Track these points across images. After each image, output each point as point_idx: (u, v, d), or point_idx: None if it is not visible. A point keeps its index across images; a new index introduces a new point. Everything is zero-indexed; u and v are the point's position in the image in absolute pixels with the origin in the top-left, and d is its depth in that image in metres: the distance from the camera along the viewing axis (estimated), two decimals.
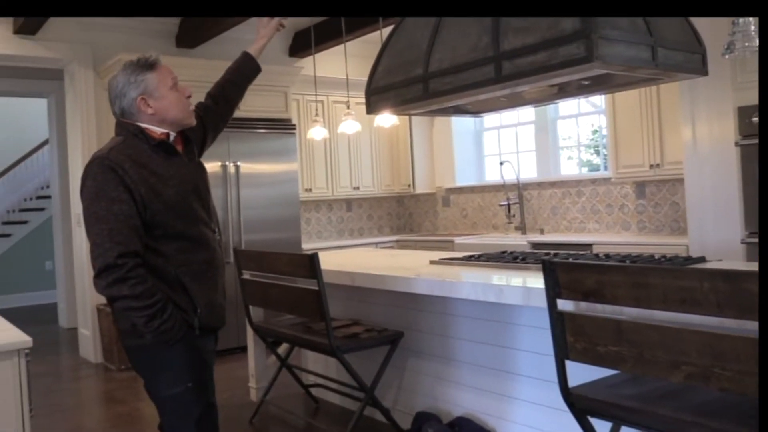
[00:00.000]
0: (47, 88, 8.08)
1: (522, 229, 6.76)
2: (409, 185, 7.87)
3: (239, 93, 3.00)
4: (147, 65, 2.39)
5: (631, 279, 2.12)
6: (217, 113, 2.85)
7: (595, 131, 6.67)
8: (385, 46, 3.70)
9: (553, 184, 6.64)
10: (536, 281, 2.87)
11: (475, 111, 4.04)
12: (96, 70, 6.32)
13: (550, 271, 2.37)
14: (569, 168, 6.91)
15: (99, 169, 2.26)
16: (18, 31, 5.83)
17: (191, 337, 2.35)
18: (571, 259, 3.06)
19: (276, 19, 3.17)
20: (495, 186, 7.26)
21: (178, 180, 2.38)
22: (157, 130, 2.41)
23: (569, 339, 2.35)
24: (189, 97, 2.48)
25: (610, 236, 5.83)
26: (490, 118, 7.50)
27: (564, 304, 2.39)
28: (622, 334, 2.17)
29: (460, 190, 7.73)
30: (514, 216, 6.79)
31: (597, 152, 6.73)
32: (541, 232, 6.64)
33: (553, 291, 2.38)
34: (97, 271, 2.21)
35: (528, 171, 7.12)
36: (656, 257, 3.38)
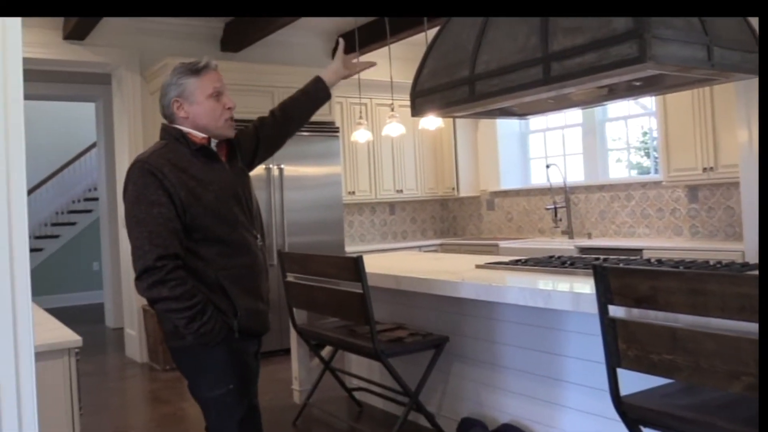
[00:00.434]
0: (95, 92, 8.22)
1: (569, 233, 6.65)
2: (453, 188, 7.81)
3: (303, 115, 2.95)
4: (192, 70, 2.42)
5: (687, 285, 2.05)
6: (275, 128, 2.83)
7: (645, 133, 6.53)
8: (431, 48, 3.66)
9: (601, 188, 6.52)
10: (585, 286, 2.81)
11: (522, 113, 3.97)
12: (143, 74, 6.41)
13: (601, 276, 2.31)
14: (618, 171, 6.77)
15: (139, 173, 2.29)
16: (67, 36, 5.94)
17: (232, 340, 2.36)
18: (621, 264, 2.98)
19: (367, 62, 3.24)
20: (541, 189, 7.16)
21: (218, 185, 2.40)
22: (198, 135, 2.43)
23: (621, 346, 2.29)
24: (230, 109, 2.48)
25: (661, 241, 5.70)
26: (535, 121, 7.40)
27: (615, 310, 2.33)
28: (677, 342, 2.10)
29: (505, 193, 7.65)
30: (560, 220, 6.69)
31: (647, 155, 6.59)
32: (589, 236, 6.52)
33: (604, 297, 2.32)
34: (138, 274, 2.24)
35: (575, 174, 7.00)
36: (711, 263, 3.28)
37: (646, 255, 5.24)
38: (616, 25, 2.66)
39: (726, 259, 4.09)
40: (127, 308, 6.71)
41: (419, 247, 7.33)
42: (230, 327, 2.34)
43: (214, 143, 2.47)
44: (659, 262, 3.38)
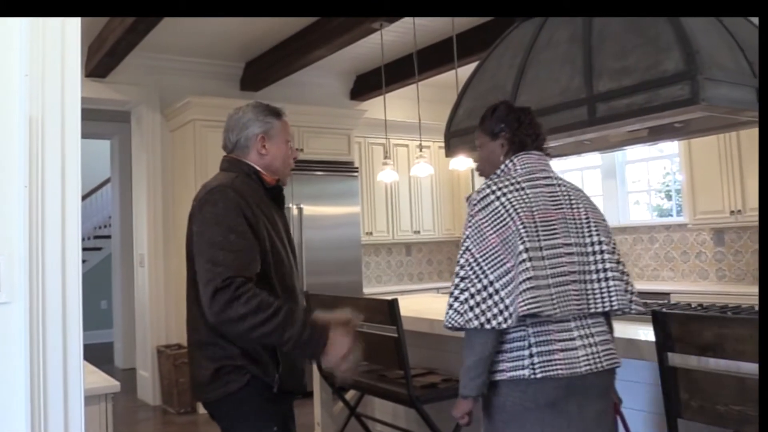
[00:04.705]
0: (111, 129, 8.23)
1: None
2: None
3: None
4: (276, 112, 2.44)
5: (758, 333, 1.97)
6: None
7: (668, 173, 6.49)
8: (466, 87, 3.64)
9: (623, 230, 6.46)
10: (633, 332, 2.73)
11: (556, 154, 3.93)
12: (163, 112, 6.41)
13: (661, 322, 2.24)
14: (638, 213, 6.72)
15: (221, 196, 2.22)
16: (90, 74, 5.94)
17: (268, 397, 2.23)
18: (676, 310, 2.90)
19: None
20: None
21: (283, 229, 2.39)
22: (269, 176, 2.42)
23: (683, 396, 2.21)
24: (294, 159, 2.51)
25: (687, 285, 5.62)
26: (555, 163, 7.36)
27: (673, 358, 2.25)
28: (746, 392, 2.02)
29: None
30: None
31: (668, 197, 6.54)
32: None
33: (664, 344, 2.24)
34: (208, 299, 2.06)
35: None
36: (757, 309, 3.20)
37: (673, 299, 5.16)
38: (666, 66, 2.63)
39: (758, 304, 4.01)
40: (141, 348, 6.60)
41: (436, 289, 7.25)
42: (268, 384, 2.21)
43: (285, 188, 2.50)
44: (702, 306, 3.30)
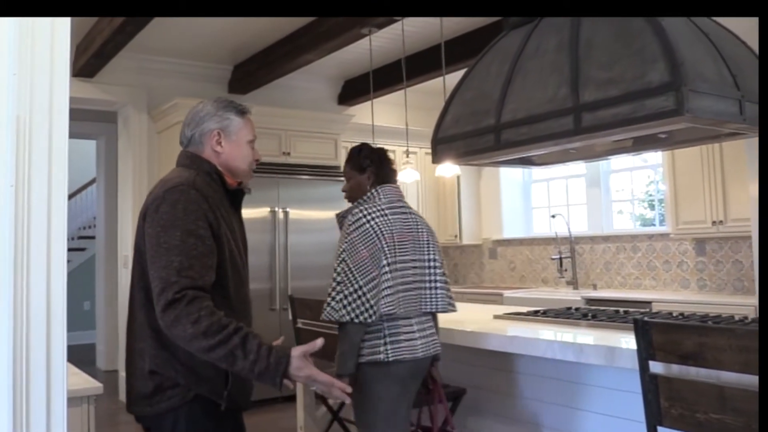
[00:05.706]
0: (97, 130, 8.19)
1: (573, 283, 6.61)
2: (456, 236, 7.77)
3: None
4: (238, 109, 2.29)
5: (738, 342, 2.00)
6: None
7: (651, 183, 6.54)
8: (453, 95, 3.65)
9: (606, 239, 6.50)
10: (617, 340, 2.75)
11: (541, 162, 3.95)
12: (150, 113, 6.39)
13: (643, 331, 2.26)
14: (621, 222, 6.77)
15: (181, 195, 2.04)
16: (77, 74, 5.92)
17: (214, 414, 2.06)
18: (657, 319, 2.93)
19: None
20: (544, 239, 7.14)
21: (239, 236, 2.24)
22: (231, 177, 2.26)
23: (663, 404, 2.23)
24: (257, 161, 2.36)
25: (668, 294, 5.66)
26: (539, 171, 7.41)
27: (654, 366, 2.27)
28: (726, 401, 2.05)
29: (508, 242, 7.61)
30: (566, 270, 6.64)
31: (651, 206, 6.60)
32: (594, 287, 6.48)
33: (646, 352, 2.26)
34: (161, 311, 1.92)
35: (578, 224, 6.99)
36: (738, 318, 3.24)
37: (655, 308, 5.20)
38: (651, 77, 2.65)
39: (738, 313, 4.04)
40: (123, 350, 6.55)
41: None
42: (214, 402, 2.05)
43: (247, 191, 2.33)
44: (683, 315, 3.33)
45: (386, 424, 2.85)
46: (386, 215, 2.91)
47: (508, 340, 3.08)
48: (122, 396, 6.51)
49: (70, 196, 11.12)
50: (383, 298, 2.79)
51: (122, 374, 6.54)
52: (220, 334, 1.88)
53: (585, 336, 3.01)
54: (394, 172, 3.16)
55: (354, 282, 2.77)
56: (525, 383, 3.45)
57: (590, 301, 5.68)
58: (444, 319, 3.77)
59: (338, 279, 2.81)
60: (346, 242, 2.85)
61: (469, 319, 3.74)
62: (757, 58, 3.02)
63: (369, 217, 2.88)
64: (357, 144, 3.26)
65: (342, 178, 6.59)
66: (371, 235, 2.84)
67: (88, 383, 2.37)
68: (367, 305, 2.75)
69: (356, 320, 2.75)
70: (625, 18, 2.83)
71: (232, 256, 2.14)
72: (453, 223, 7.79)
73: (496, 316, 3.72)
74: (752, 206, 4.65)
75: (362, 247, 2.81)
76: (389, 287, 2.81)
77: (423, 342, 2.89)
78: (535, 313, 3.68)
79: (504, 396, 3.56)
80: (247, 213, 2.42)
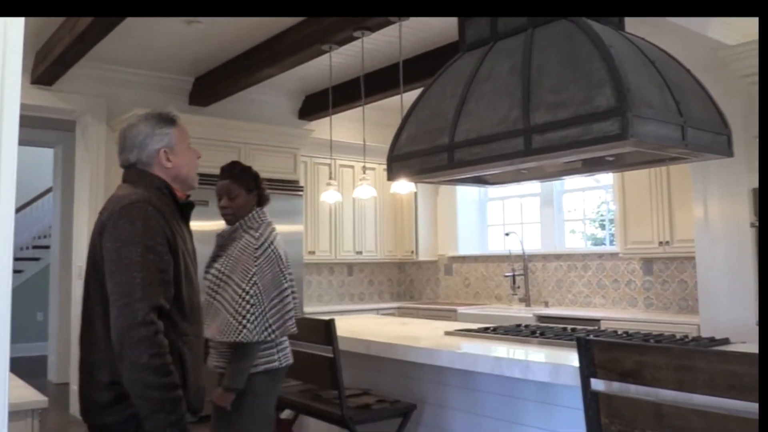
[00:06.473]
0: (55, 138, 8.09)
1: (526, 301, 6.71)
2: (412, 252, 7.84)
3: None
4: (169, 120, 2.31)
5: (675, 361, 2.08)
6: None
7: (604, 203, 6.70)
8: (410, 113, 3.71)
9: (558, 257, 6.62)
10: (562, 357, 2.82)
11: (494, 182, 4.03)
12: (109, 123, 6.34)
13: (585, 349, 2.33)
14: (573, 241, 6.90)
15: (140, 213, 2.08)
16: (35, 81, 5.86)
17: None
18: (601, 338, 3.01)
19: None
20: (499, 256, 7.24)
21: (190, 246, 2.30)
22: (179, 190, 2.31)
23: (604, 421, 2.29)
24: (198, 158, 2.41)
25: (617, 312, 5.79)
26: (494, 189, 7.53)
27: (596, 384, 2.34)
28: (663, 418, 2.12)
29: (463, 259, 7.70)
30: (518, 287, 6.75)
31: (602, 226, 6.75)
32: (546, 304, 6.59)
33: (587, 370, 2.33)
34: (124, 327, 1.96)
35: (531, 243, 7.10)
36: (679, 337, 3.34)
37: (603, 325, 5.31)
38: (599, 102, 2.74)
39: (680, 332, 4.15)
40: (75, 363, 6.46)
41: (376, 310, 7.29)
42: None
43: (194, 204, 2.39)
44: (627, 334, 3.42)
45: (269, 428, 3.14)
46: (276, 240, 3.14)
47: (459, 356, 3.13)
48: (73, 409, 6.41)
49: (26, 205, 10.94)
50: (290, 319, 3.10)
51: (74, 387, 6.44)
52: (166, 378, 1.98)
53: (532, 353, 3.07)
54: (267, 198, 3.34)
55: (262, 303, 2.97)
56: (474, 399, 3.50)
57: (541, 318, 5.78)
58: (395, 335, 3.82)
59: (252, 302, 2.95)
60: (256, 266, 3.00)
61: (421, 335, 3.79)
62: (701, 87, 3.14)
63: (267, 243, 3.08)
64: (234, 160, 3.38)
65: (300, 192, 6.66)
66: (273, 259, 3.06)
67: (33, 396, 2.34)
68: (275, 326, 3.01)
69: (268, 339, 2.99)
70: (575, 43, 2.92)
71: (186, 267, 2.21)
72: (410, 239, 7.86)
73: (447, 333, 3.77)
74: (696, 228, 4.80)
75: (268, 271, 3.02)
76: (291, 310, 3.11)
77: (289, 351, 3.22)
78: (486, 330, 3.74)
79: (453, 411, 3.61)
80: (204, 226, 2.46)
